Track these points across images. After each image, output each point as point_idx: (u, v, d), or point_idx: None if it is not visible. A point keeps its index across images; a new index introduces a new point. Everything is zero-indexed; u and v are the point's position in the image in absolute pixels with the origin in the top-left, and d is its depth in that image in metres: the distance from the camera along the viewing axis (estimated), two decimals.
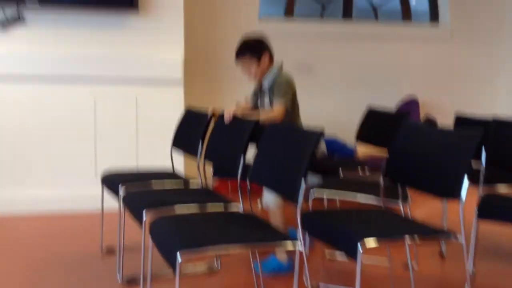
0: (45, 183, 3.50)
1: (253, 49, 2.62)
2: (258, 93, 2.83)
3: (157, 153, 3.61)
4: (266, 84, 2.71)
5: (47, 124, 3.48)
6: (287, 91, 2.63)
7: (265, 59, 2.63)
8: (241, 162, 2.24)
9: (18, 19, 3.37)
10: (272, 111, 2.63)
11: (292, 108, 2.69)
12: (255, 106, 2.84)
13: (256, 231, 1.85)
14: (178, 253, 1.56)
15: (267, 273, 2.46)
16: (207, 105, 4.24)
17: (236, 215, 2.11)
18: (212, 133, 2.62)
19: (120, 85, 3.55)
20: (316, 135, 1.87)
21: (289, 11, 4.74)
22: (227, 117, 2.46)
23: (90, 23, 3.48)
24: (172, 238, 1.72)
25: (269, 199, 2.50)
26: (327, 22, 4.78)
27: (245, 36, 2.75)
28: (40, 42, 3.42)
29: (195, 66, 4.13)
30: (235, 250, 1.71)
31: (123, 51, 3.55)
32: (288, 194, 1.90)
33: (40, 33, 3.41)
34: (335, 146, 3.98)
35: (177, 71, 3.63)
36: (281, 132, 2.17)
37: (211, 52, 4.32)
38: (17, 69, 3.39)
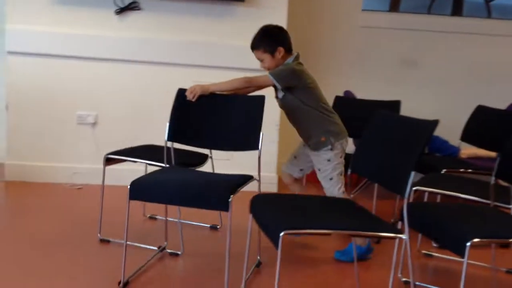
0: None
1: (268, 43, 2.48)
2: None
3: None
4: None
5: (157, 101, 3.67)
6: (287, 75, 2.45)
7: (279, 53, 2.49)
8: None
9: (134, 7, 3.59)
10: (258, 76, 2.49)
11: (309, 104, 2.51)
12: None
13: (358, 218, 1.83)
14: (281, 233, 1.58)
15: (346, 260, 2.49)
16: None
17: (335, 200, 2.09)
18: None
19: (221, 72, 3.66)
20: (431, 126, 1.79)
21: (394, 5, 4.60)
22: (191, 96, 2.45)
23: (198, 11, 3.62)
24: (275, 217, 1.75)
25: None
26: (435, 17, 4.57)
27: (263, 27, 2.56)
28: (152, 29, 3.62)
29: None
30: (336, 234, 1.70)
31: (227, 40, 3.65)
32: (395, 186, 1.84)
33: (152, 21, 3.61)
34: (437, 144, 3.81)
35: None
36: (389, 121, 2.11)
37: (313, 43, 4.33)
38: (130, 53, 3.61)
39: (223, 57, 3.65)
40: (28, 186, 3.50)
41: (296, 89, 2.48)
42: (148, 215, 3.01)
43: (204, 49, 3.65)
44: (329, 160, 2.46)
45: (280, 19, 3.67)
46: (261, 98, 2.39)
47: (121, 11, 3.57)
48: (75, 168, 3.67)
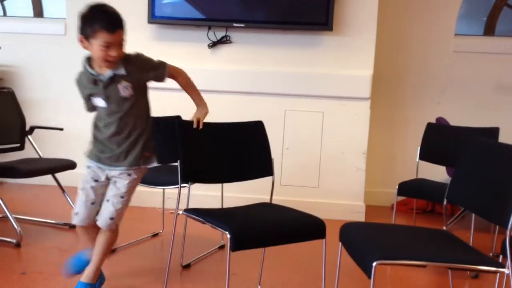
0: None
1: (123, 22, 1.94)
2: (101, 86, 1.99)
3: (339, 171, 3.71)
4: (122, 68, 1.97)
5: None
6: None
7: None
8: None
9: (225, 40, 3.79)
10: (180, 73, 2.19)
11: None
12: (91, 109, 2.10)
13: (456, 250, 1.76)
14: (374, 263, 1.57)
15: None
16: (390, 121, 4.25)
17: (429, 231, 2.03)
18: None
19: (308, 101, 3.72)
20: None
21: (489, 29, 4.42)
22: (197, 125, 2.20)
23: (286, 42, 3.74)
24: (367, 246, 1.74)
25: None
26: (469, 37, 4.31)
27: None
28: (241, 61, 3.78)
29: (382, 83, 4.12)
30: (433, 265, 1.65)
31: (314, 68, 3.72)
32: (496, 217, 1.76)
33: (242, 52, 3.78)
34: None
35: (365, 90, 3.66)
36: (488, 149, 2.03)
37: (403, 69, 4.27)
38: (220, 84, 3.79)
39: (310, 85, 3.71)
40: None
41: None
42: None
43: (292, 79, 3.74)
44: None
45: (368, 47, 3.68)
46: (260, 123, 2.40)
47: (214, 45, 3.78)
48: None
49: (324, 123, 3.71)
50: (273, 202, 2.34)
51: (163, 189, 2.98)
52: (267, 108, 3.75)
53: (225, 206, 2.51)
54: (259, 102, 3.77)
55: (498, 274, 1.70)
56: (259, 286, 2.45)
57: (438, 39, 4.23)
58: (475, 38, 4.37)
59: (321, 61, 3.71)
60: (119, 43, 1.92)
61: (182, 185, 2.30)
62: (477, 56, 4.22)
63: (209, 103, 3.78)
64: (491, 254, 2.96)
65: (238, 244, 1.74)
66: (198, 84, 3.78)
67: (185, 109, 3.35)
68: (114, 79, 1.97)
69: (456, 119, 3.75)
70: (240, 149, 2.36)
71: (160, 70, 2.09)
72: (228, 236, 1.78)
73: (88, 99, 2.05)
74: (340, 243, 1.92)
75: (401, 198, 3.22)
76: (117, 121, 2.00)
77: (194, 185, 2.39)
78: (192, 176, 2.21)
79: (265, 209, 2.20)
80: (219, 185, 2.86)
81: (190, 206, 2.15)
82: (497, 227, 3.00)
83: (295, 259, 2.84)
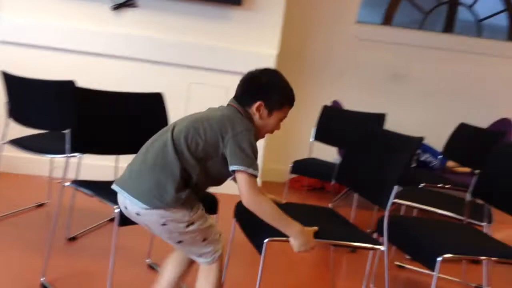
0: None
1: None
2: None
3: None
4: None
5: None
6: None
7: None
8: None
9: (130, 3, 3.62)
10: None
11: None
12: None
13: (338, 227, 1.88)
14: (265, 240, 1.63)
15: None
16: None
17: (313, 207, 2.14)
18: None
19: (213, 75, 3.70)
20: (416, 142, 1.85)
21: (388, 19, 4.68)
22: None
23: (195, 12, 3.66)
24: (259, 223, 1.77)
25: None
26: (427, 33, 4.65)
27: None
28: (147, 27, 3.65)
29: (285, 63, 4.20)
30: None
31: (222, 43, 3.69)
32: (377, 198, 1.91)
33: (148, 18, 3.64)
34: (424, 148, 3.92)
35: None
36: (375, 135, 2.17)
37: (307, 49, 4.38)
38: (123, 49, 3.63)
39: (216, 59, 3.69)
40: None
41: None
42: None
43: (198, 51, 3.68)
44: None
45: (275, 24, 3.73)
46: (160, 95, 2.33)
47: (118, 7, 3.59)
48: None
49: (228, 99, 3.70)
50: None
51: (51, 157, 2.82)
52: (170, 79, 3.67)
53: None
54: (162, 72, 3.68)
55: (371, 250, 1.85)
56: (148, 260, 2.43)
57: (341, 25, 4.40)
58: (374, 27, 4.61)
59: (229, 36, 3.70)
60: None
61: (71, 154, 2.18)
62: (375, 44, 4.46)
63: (108, 70, 3.69)
64: (369, 231, 3.20)
65: (126, 218, 1.70)
66: (98, 48, 3.65)
67: (78, 73, 3.18)
68: None
69: (351, 103, 3.96)
70: (137, 120, 2.29)
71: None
72: (116, 210, 1.73)
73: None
74: (234, 219, 1.96)
75: (294, 175, 3.35)
76: None
77: (89, 155, 2.28)
78: (83, 146, 2.12)
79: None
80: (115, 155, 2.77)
81: (82, 177, 2.06)
82: (376, 206, 3.26)
83: None
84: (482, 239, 1.95)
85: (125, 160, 2.68)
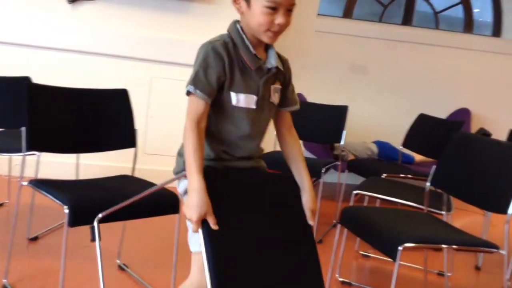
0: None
1: None
2: (258, 79, 1.41)
3: None
4: (272, 58, 1.46)
5: None
6: None
7: None
8: None
9: None
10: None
11: None
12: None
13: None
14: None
15: None
16: None
17: None
18: None
19: (176, 69, 3.65)
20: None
21: (348, 11, 4.74)
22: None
23: (155, 5, 3.59)
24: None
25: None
26: (386, 25, 4.74)
27: None
28: (105, 20, 3.56)
29: None
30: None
31: (183, 36, 3.65)
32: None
33: (108, 11, 3.55)
34: (389, 151, 3.98)
35: None
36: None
37: None
38: (80, 43, 3.54)
39: (178, 53, 3.64)
40: None
41: None
42: None
43: (159, 44, 3.62)
44: None
45: (236, 17, 3.70)
46: (124, 92, 2.28)
47: (75, 0, 3.49)
48: None
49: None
50: (136, 172, 2.29)
51: (9, 156, 2.73)
52: (132, 73, 3.60)
53: (83, 176, 2.37)
54: (123, 67, 3.60)
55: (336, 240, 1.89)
56: (118, 260, 2.39)
57: (302, 18, 4.42)
58: (335, 20, 4.66)
59: (189, 29, 3.65)
60: (289, 7, 1.36)
61: (29, 153, 2.12)
62: (336, 37, 4.51)
63: (68, 65, 3.59)
64: (334, 221, 3.27)
65: (76, 219, 1.67)
66: (55, 42, 3.54)
67: (34, 69, 3.08)
68: (269, 74, 1.42)
69: (314, 96, 3.99)
70: (101, 117, 2.24)
71: (295, 96, 1.55)
72: (66, 211, 1.69)
73: (219, 90, 1.36)
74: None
75: None
76: (262, 135, 1.45)
77: (50, 153, 2.21)
78: (41, 144, 2.05)
79: (120, 182, 2.12)
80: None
81: (42, 175, 2.00)
82: (341, 197, 3.32)
83: (165, 230, 2.79)
84: (442, 228, 2.02)
85: (86, 157, 2.65)
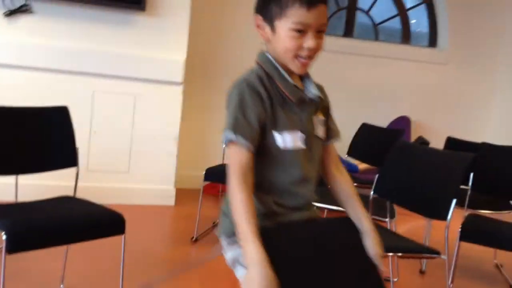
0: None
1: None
2: (297, 110, 1.28)
3: (149, 156, 3.66)
4: (311, 86, 1.35)
5: None
6: None
7: None
8: None
9: (24, 9, 3.40)
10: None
11: None
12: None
13: None
14: None
15: None
16: (204, 107, 4.34)
17: None
18: None
19: (119, 83, 3.58)
20: None
21: None
22: None
23: (97, 18, 3.51)
24: None
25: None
26: (328, 37, 4.84)
27: None
28: (44, 33, 3.44)
29: (196, 68, 4.17)
30: None
31: (126, 49, 3.58)
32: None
33: (46, 24, 3.44)
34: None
35: (178, 75, 3.66)
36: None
37: (217, 55, 4.36)
38: (18, 58, 3.39)
39: (121, 66, 3.57)
40: None
41: None
42: None
43: (100, 57, 3.54)
44: None
45: (181, 29, 3.68)
46: (65, 109, 2.23)
47: (11, 13, 3.36)
48: None
49: (136, 107, 3.59)
50: (79, 189, 2.21)
51: None
52: (73, 88, 3.49)
53: (23, 197, 2.25)
54: (64, 82, 3.48)
55: None
56: (61, 285, 2.29)
57: (252, 29, 4.43)
58: None
59: (133, 42, 3.59)
60: (320, 28, 1.22)
61: None
62: None
63: (5, 81, 3.42)
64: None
65: (15, 245, 1.60)
66: None
67: None
68: (309, 104, 1.28)
69: None
70: (39, 136, 2.17)
71: (337, 126, 1.41)
72: (4, 237, 1.62)
73: (261, 131, 1.18)
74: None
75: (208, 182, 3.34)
76: (315, 178, 1.29)
77: None
78: None
79: (61, 204, 2.05)
80: None
81: None
82: None
83: (110, 251, 2.73)
84: (387, 235, 2.07)
85: (25, 178, 2.54)
